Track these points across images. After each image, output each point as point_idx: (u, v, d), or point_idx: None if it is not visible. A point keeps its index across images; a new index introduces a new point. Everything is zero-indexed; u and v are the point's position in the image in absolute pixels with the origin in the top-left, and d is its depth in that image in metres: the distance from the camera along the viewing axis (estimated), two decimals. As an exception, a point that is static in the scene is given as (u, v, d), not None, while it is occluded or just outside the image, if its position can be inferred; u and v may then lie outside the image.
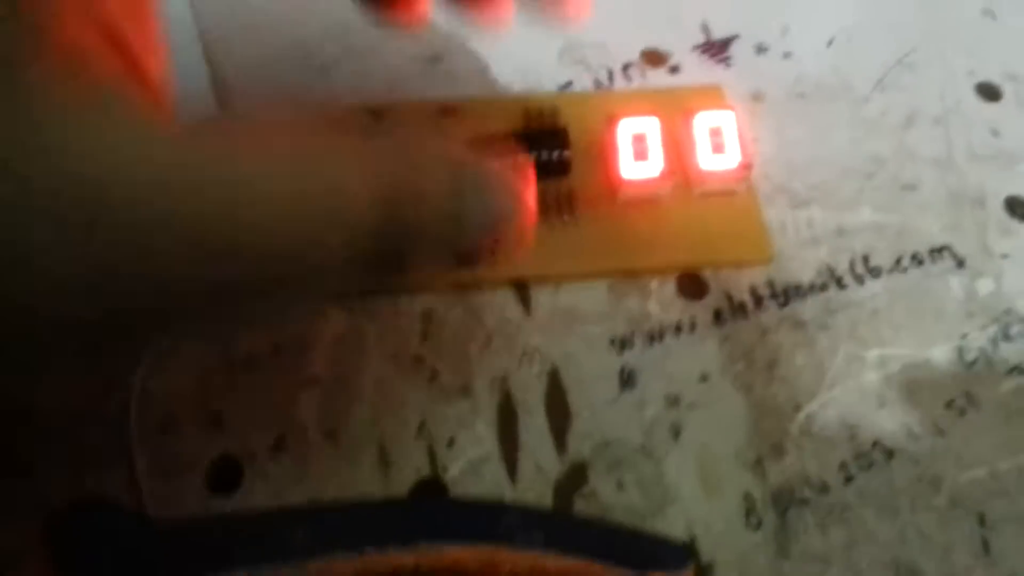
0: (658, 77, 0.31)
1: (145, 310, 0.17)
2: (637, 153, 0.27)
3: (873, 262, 0.27)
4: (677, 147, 0.28)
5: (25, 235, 0.15)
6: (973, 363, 0.26)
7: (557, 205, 0.28)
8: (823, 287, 0.27)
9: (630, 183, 0.27)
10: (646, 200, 0.28)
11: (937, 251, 0.28)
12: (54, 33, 0.15)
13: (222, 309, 0.19)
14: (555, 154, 0.28)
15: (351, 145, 0.19)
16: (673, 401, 0.25)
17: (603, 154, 0.28)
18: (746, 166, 0.27)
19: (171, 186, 0.16)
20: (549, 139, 0.28)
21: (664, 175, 0.27)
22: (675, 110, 0.29)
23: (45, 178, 0.15)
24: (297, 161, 0.17)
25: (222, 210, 0.16)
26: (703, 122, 0.28)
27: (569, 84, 0.30)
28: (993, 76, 0.31)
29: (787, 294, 0.27)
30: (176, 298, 0.17)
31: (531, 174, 0.24)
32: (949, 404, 0.25)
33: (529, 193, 0.22)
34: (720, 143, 0.28)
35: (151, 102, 0.17)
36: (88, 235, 0.15)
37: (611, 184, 0.28)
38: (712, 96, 0.30)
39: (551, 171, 0.28)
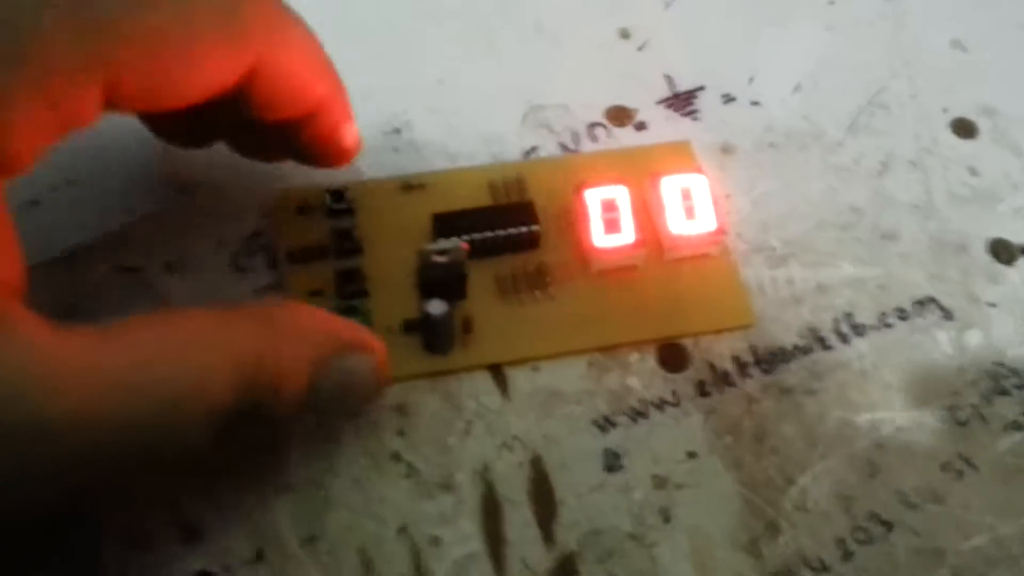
0: (625, 135, 0.30)
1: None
2: (608, 223, 0.27)
3: (857, 319, 0.27)
4: (648, 213, 0.28)
5: None
6: (966, 422, 0.25)
7: (527, 281, 0.27)
8: (807, 350, 0.26)
9: (602, 252, 0.27)
10: (619, 269, 0.27)
11: (921, 303, 0.27)
12: None
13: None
14: (524, 229, 0.27)
15: (214, 330, 0.20)
16: (661, 482, 0.24)
17: (572, 225, 0.28)
18: (720, 231, 0.27)
19: (37, 395, 0.17)
20: (517, 214, 0.27)
21: (636, 243, 0.27)
22: (644, 172, 0.28)
23: None
24: (161, 353, 0.18)
25: (89, 411, 0.17)
26: (673, 186, 0.27)
27: (534, 149, 0.30)
28: (968, 111, 0.31)
29: (771, 359, 0.26)
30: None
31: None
32: (945, 467, 0.25)
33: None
34: (692, 207, 0.27)
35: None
36: None
37: (582, 255, 0.27)
38: (681, 154, 0.29)
39: (520, 246, 0.27)
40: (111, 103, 0.18)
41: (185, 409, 0.19)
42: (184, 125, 0.23)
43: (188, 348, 0.19)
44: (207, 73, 0.20)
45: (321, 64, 0.23)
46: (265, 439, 0.23)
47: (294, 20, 0.22)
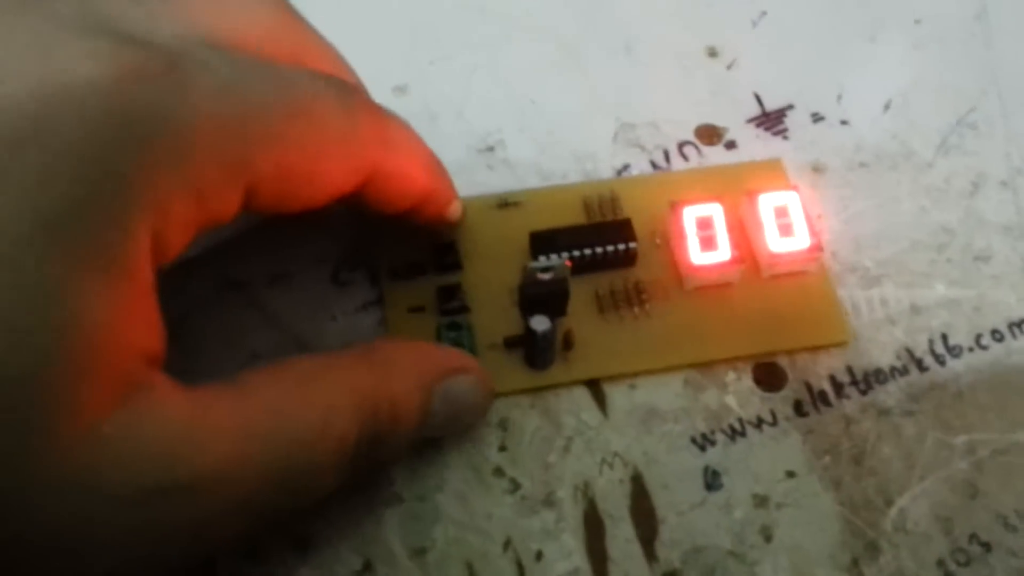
0: (715, 154, 0.30)
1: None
2: (704, 240, 0.27)
3: (952, 341, 0.27)
4: (743, 230, 0.28)
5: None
6: (1065, 444, 0.25)
7: (625, 298, 0.27)
8: (904, 370, 0.26)
9: (699, 270, 0.27)
10: (715, 286, 0.27)
11: (1017, 325, 0.27)
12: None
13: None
14: (622, 247, 0.27)
15: (329, 373, 0.21)
16: (761, 501, 0.25)
17: (667, 242, 0.28)
18: (817, 247, 0.27)
19: (184, 455, 0.18)
20: (615, 232, 0.27)
21: (733, 260, 0.27)
22: (736, 189, 0.28)
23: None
24: (286, 401, 0.20)
25: (232, 464, 0.19)
26: (768, 203, 0.27)
27: (626, 167, 0.30)
28: (1056, 131, 0.31)
29: (867, 380, 0.26)
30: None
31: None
32: (1043, 489, 0.25)
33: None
34: (787, 224, 0.27)
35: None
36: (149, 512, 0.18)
37: (678, 272, 0.27)
38: (773, 171, 0.30)
39: (618, 264, 0.27)
40: (247, 204, 0.20)
41: (315, 451, 0.20)
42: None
43: (309, 393, 0.20)
44: (332, 181, 0.22)
45: (426, 159, 0.24)
46: (386, 468, 0.25)
47: (400, 124, 0.23)
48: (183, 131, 0.18)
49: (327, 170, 0.21)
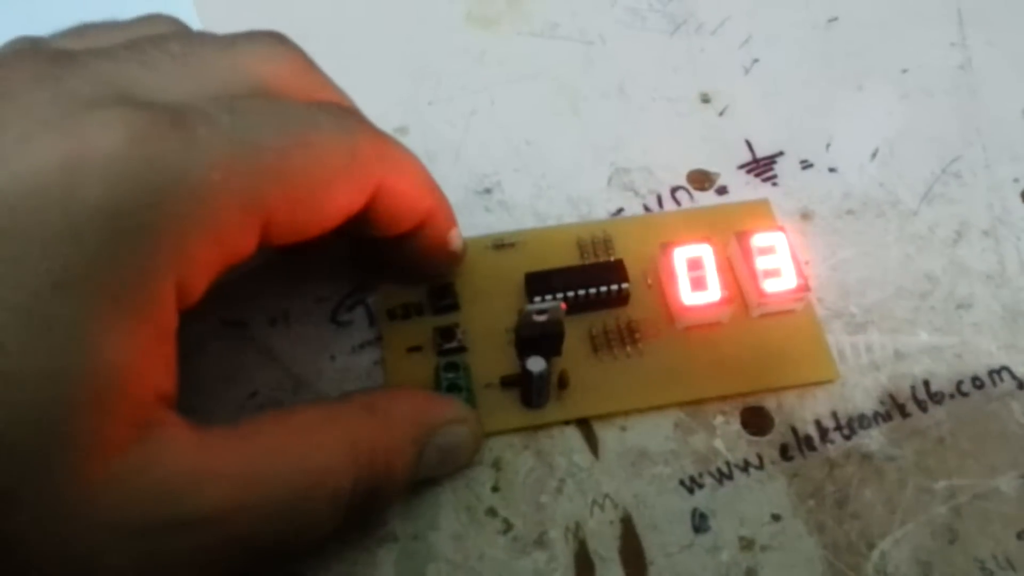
0: (707, 199, 0.31)
1: None
2: (694, 280, 0.28)
3: (934, 387, 0.28)
4: (731, 270, 0.29)
5: None
6: (1042, 491, 0.26)
7: (618, 337, 0.28)
8: (887, 416, 0.27)
9: (690, 310, 0.28)
10: (706, 326, 0.28)
11: (996, 372, 0.28)
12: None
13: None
14: (615, 287, 0.28)
15: (328, 423, 0.22)
16: (747, 544, 0.25)
17: (658, 282, 0.29)
18: (804, 287, 0.28)
19: (190, 490, 0.19)
20: (608, 273, 0.28)
21: (723, 301, 0.28)
22: (725, 230, 0.29)
23: None
24: (287, 446, 0.21)
25: (234, 502, 0.20)
26: (756, 244, 0.28)
27: (620, 211, 0.31)
28: (1038, 182, 0.32)
29: (851, 425, 0.27)
30: None
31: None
32: (1021, 535, 0.25)
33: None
34: (775, 264, 0.28)
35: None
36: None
37: (668, 312, 0.28)
38: (759, 213, 0.31)
39: (610, 303, 0.28)
40: (264, 239, 0.21)
41: (312, 498, 0.21)
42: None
43: (309, 443, 0.22)
44: (339, 204, 0.22)
45: (425, 180, 0.25)
46: (379, 515, 0.25)
47: (398, 146, 0.24)
48: (196, 180, 0.19)
49: (334, 193, 0.22)
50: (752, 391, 0.28)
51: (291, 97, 0.22)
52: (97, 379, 0.17)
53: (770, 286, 0.28)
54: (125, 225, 0.18)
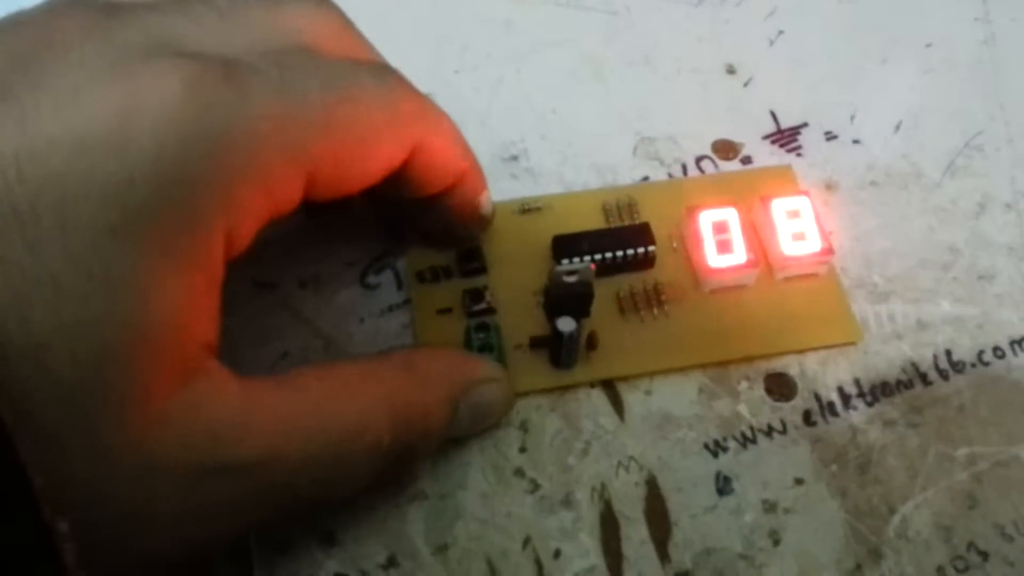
0: (731, 169, 0.31)
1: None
2: (720, 244, 0.28)
3: (956, 356, 0.28)
4: (755, 233, 0.29)
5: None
6: (1061, 459, 0.26)
7: (645, 299, 0.28)
8: (909, 384, 0.28)
9: (716, 272, 0.28)
10: (731, 288, 0.28)
11: (1018, 342, 0.28)
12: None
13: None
14: (641, 250, 0.28)
15: (367, 378, 0.23)
16: (770, 507, 0.26)
17: (683, 245, 0.29)
18: (828, 250, 0.28)
19: (235, 438, 0.20)
20: (634, 235, 0.28)
21: (748, 264, 0.28)
22: (749, 195, 0.29)
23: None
24: (327, 399, 0.22)
25: (275, 450, 0.20)
26: (780, 208, 0.29)
27: (646, 179, 0.31)
28: (1061, 156, 0.32)
29: (874, 392, 0.27)
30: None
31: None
32: (1040, 502, 0.26)
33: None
34: (799, 227, 0.28)
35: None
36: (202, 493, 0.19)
37: (694, 274, 0.29)
38: (783, 178, 0.31)
39: (637, 266, 0.28)
40: (308, 192, 0.21)
41: (351, 450, 0.22)
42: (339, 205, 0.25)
43: (348, 394, 0.22)
44: (381, 159, 0.23)
45: (460, 142, 0.25)
46: (411, 471, 0.26)
47: (436, 106, 0.25)
48: (246, 131, 0.19)
49: (377, 148, 0.22)
50: (777, 352, 0.28)
51: (332, 55, 0.22)
52: (149, 325, 0.18)
53: (794, 249, 0.28)
54: (179, 173, 0.18)
